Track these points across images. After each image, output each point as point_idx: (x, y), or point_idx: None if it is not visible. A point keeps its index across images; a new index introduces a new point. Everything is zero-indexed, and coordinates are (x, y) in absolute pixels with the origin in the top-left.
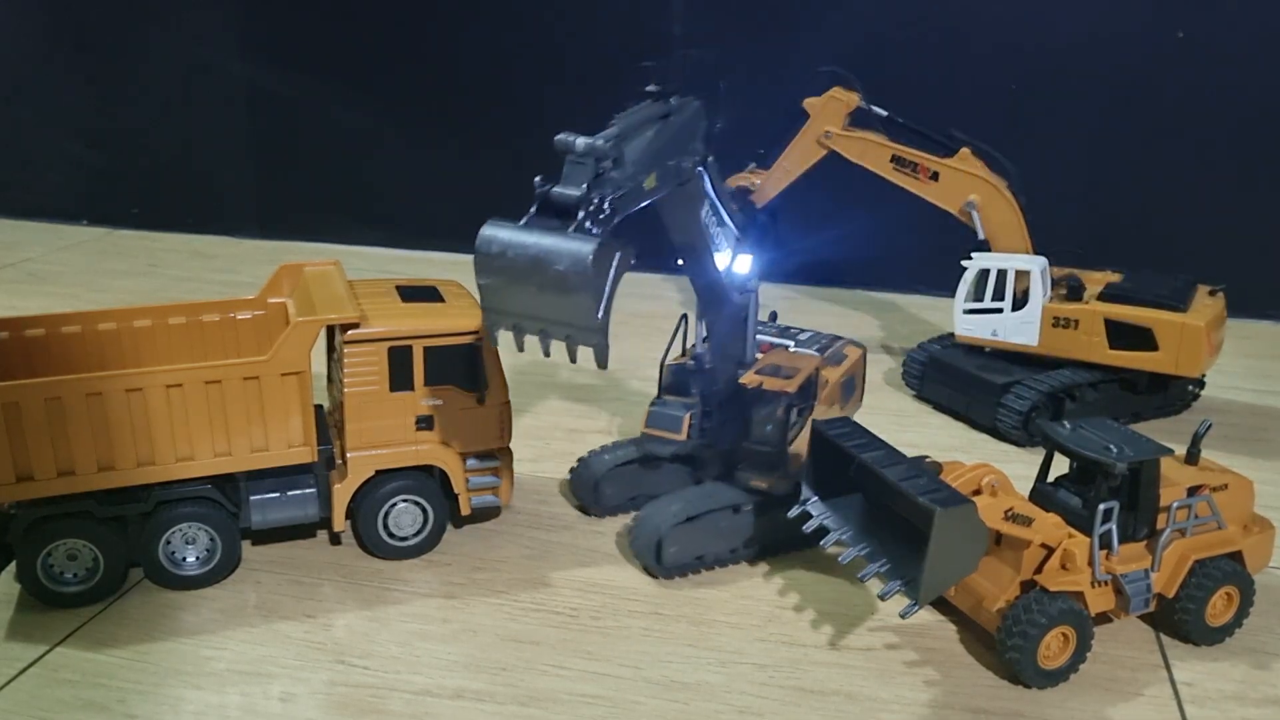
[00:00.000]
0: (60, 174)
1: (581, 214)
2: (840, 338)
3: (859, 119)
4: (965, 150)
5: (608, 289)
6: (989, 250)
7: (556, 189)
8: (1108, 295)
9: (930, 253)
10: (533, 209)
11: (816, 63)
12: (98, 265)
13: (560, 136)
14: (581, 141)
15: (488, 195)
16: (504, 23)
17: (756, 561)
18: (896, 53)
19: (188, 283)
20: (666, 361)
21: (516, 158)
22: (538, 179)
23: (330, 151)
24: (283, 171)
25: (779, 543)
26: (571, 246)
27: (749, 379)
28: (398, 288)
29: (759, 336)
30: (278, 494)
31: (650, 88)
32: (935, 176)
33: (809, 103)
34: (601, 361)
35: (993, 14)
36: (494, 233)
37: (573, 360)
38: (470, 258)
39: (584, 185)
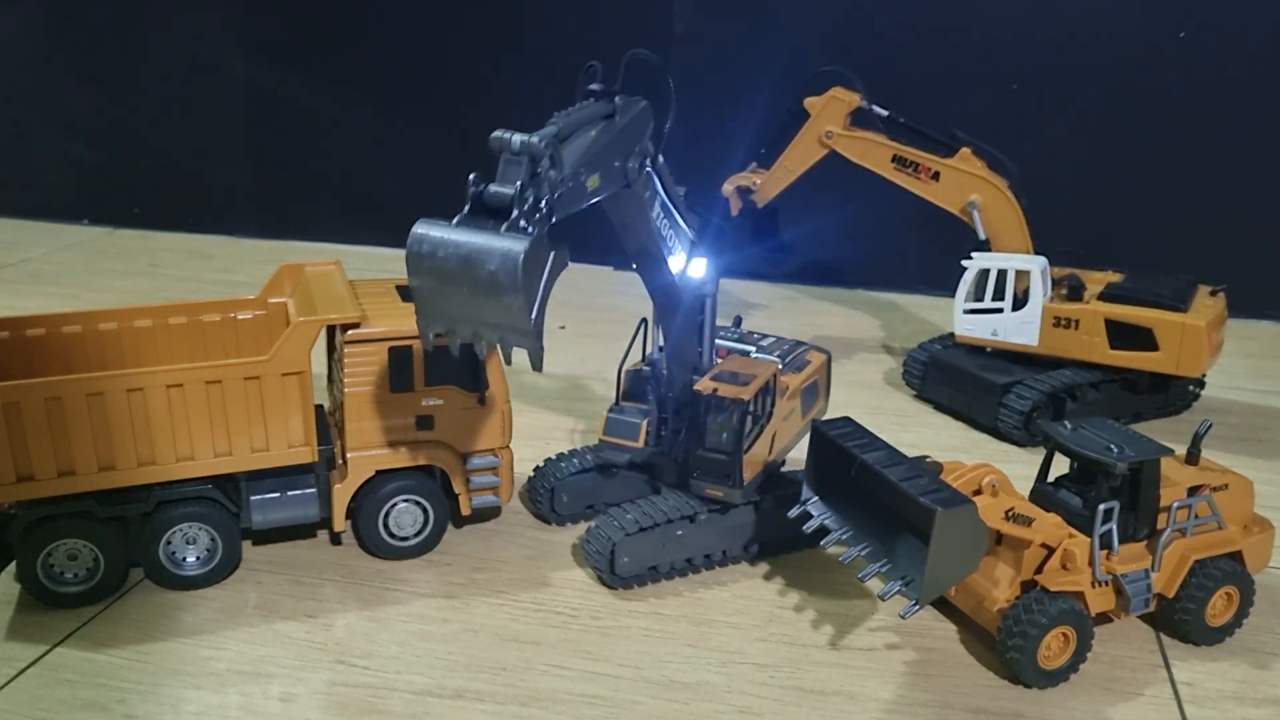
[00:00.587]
0: (60, 174)
1: (515, 213)
2: (803, 344)
3: (860, 119)
4: (966, 150)
5: (540, 290)
6: (990, 250)
7: (491, 187)
8: (1108, 295)
9: (931, 253)
10: (466, 208)
11: (818, 62)
12: (98, 265)
13: (496, 134)
14: (517, 139)
15: None
16: (505, 24)
17: (708, 570)
18: (898, 52)
19: (188, 283)
20: (625, 367)
21: None
22: (472, 176)
23: (330, 151)
24: (283, 171)
25: (737, 552)
26: (503, 245)
27: (703, 385)
28: (398, 288)
29: (720, 342)
30: (278, 494)
31: (593, 86)
32: (936, 176)
33: (810, 102)
34: (536, 364)
35: (995, 14)
36: (425, 231)
37: (507, 362)
38: None
39: (519, 184)
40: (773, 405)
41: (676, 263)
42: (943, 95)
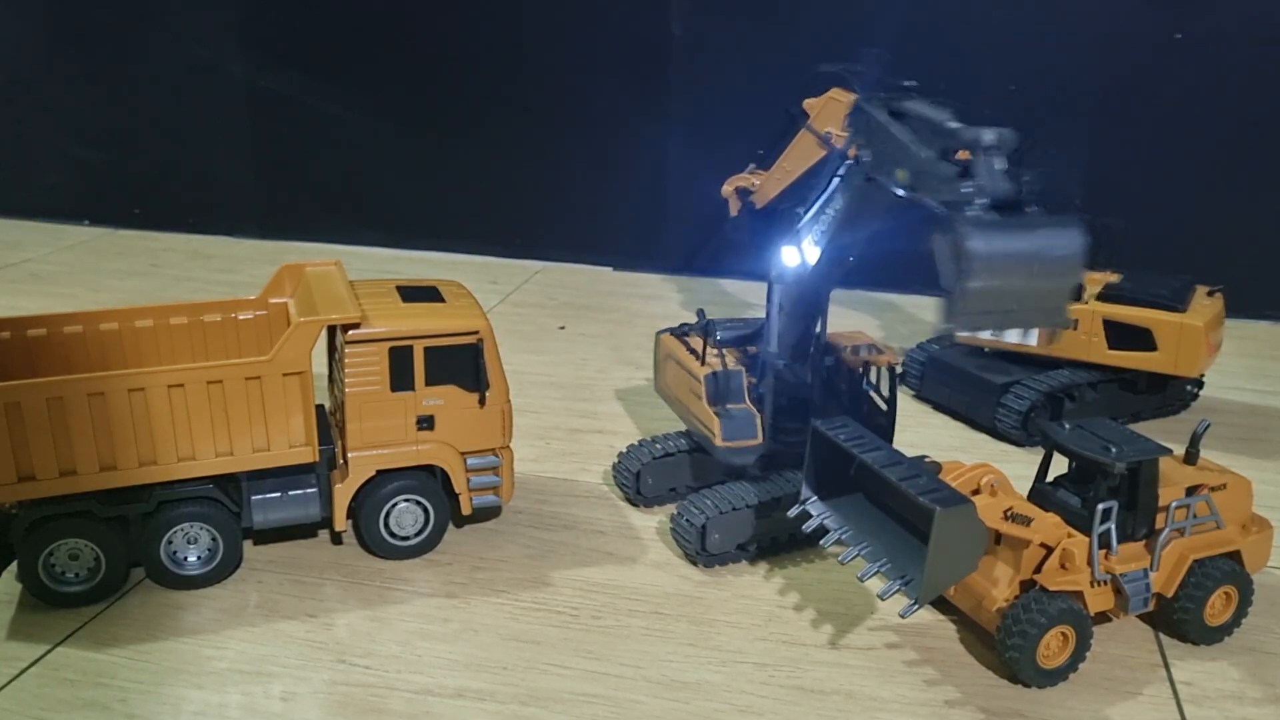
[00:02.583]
0: (61, 174)
1: (1027, 201)
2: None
3: None
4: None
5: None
6: None
7: (986, 184)
8: (1106, 295)
9: (930, 253)
10: (977, 210)
11: (816, 62)
12: (99, 265)
13: (957, 130)
14: (988, 135)
15: (488, 195)
16: (505, 23)
17: (793, 549)
18: (897, 53)
19: (188, 283)
20: (703, 373)
21: (516, 158)
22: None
23: (330, 151)
24: (283, 171)
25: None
26: (1066, 232)
27: (851, 360)
28: (398, 288)
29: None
30: (279, 494)
31: (909, 83)
32: None
33: (809, 103)
34: (1066, 325)
35: (993, 14)
36: (984, 239)
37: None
38: (470, 258)
39: (1002, 175)
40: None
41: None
42: (941, 96)
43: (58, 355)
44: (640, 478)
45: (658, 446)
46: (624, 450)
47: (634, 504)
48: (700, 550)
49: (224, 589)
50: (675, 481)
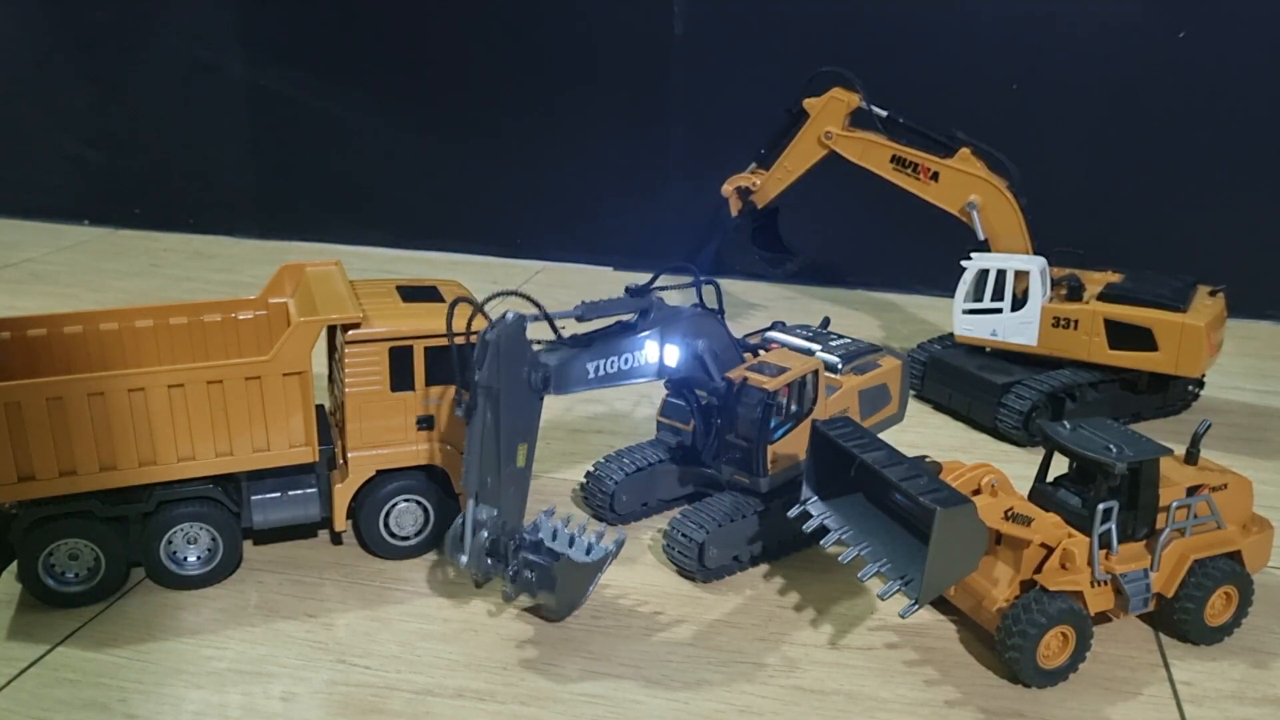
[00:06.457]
0: (60, 174)
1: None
2: (879, 348)
3: (859, 119)
4: (965, 150)
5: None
6: (989, 250)
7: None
8: (1107, 295)
9: (930, 253)
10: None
11: (817, 62)
12: (99, 265)
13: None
14: (463, 561)
15: (488, 195)
16: (505, 23)
17: (784, 556)
18: (898, 52)
19: (188, 283)
20: None
21: (517, 158)
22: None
23: (330, 151)
24: (283, 171)
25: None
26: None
27: (735, 373)
28: (398, 288)
29: (786, 338)
30: (279, 494)
31: (458, 413)
32: (935, 177)
33: (809, 103)
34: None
35: (995, 14)
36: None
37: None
38: (470, 257)
39: (512, 573)
40: (812, 403)
41: (650, 355)
42: (942, 95)
43: (58, 355)
44: (615, 497)
45: (626, 462)
46: (591, 469)
47: (607, 522)
48: (699, 566)
49: (224, 589)
50: (647, 496)
